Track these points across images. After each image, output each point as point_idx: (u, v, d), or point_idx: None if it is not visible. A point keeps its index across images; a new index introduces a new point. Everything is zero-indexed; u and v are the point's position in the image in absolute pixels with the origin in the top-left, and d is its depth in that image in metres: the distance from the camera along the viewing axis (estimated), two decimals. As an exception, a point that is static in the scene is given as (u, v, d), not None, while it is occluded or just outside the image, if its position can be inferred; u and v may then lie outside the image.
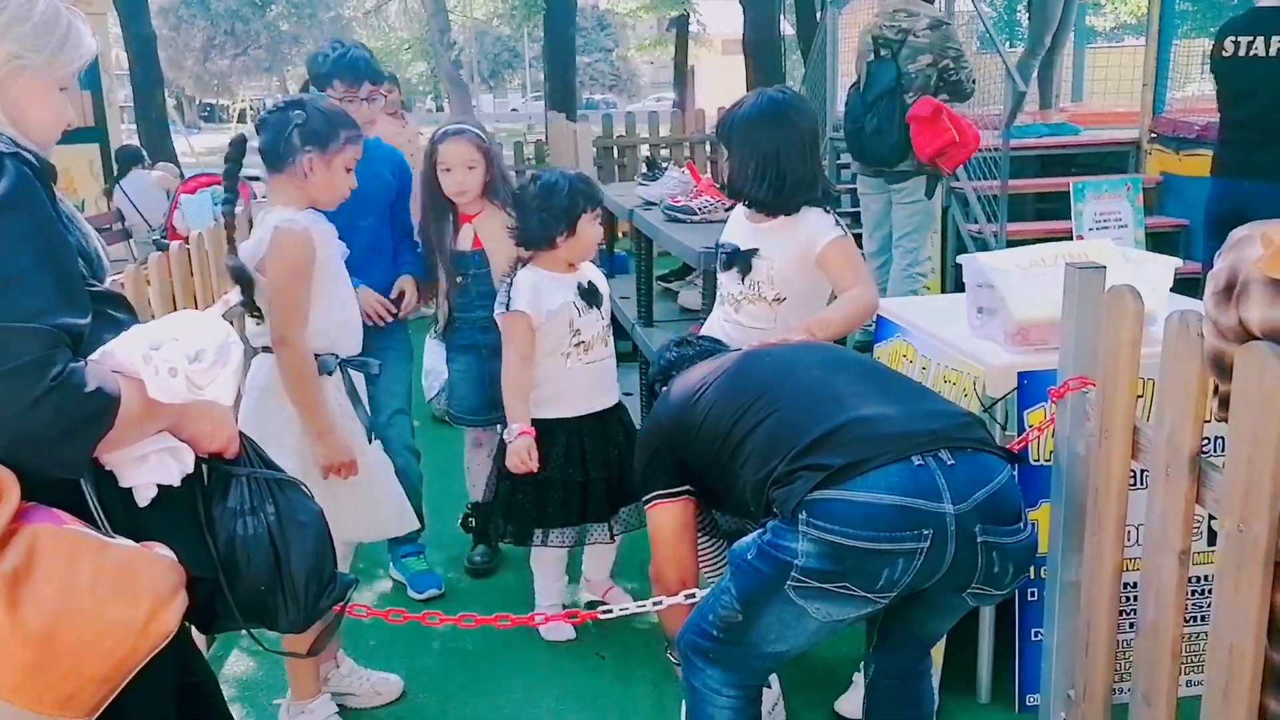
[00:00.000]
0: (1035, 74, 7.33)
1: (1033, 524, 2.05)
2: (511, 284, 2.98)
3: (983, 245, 5.66)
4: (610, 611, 2.37)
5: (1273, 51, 3.99)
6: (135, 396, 1.53)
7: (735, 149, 2.77)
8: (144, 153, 9.03)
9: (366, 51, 3.41)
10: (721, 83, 20.84)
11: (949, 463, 1.92)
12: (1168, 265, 2.77)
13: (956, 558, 1.90)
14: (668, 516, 2.40)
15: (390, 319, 3.35)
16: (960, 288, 5.56)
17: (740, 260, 2.82)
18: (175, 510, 1.68)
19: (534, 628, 3.13)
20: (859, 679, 2.78)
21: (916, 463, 1.91)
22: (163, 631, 1.46)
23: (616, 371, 3.24)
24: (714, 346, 2.66)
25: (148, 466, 1.61)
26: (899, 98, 5.16)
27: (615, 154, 10.03)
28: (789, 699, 2.82)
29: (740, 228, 2.92)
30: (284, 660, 2.71)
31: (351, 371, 2.71)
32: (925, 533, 1.86)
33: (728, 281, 2.91)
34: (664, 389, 2.51)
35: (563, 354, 3.01)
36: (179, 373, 1.52)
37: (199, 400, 1.57)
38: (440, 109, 31.92)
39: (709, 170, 9.27)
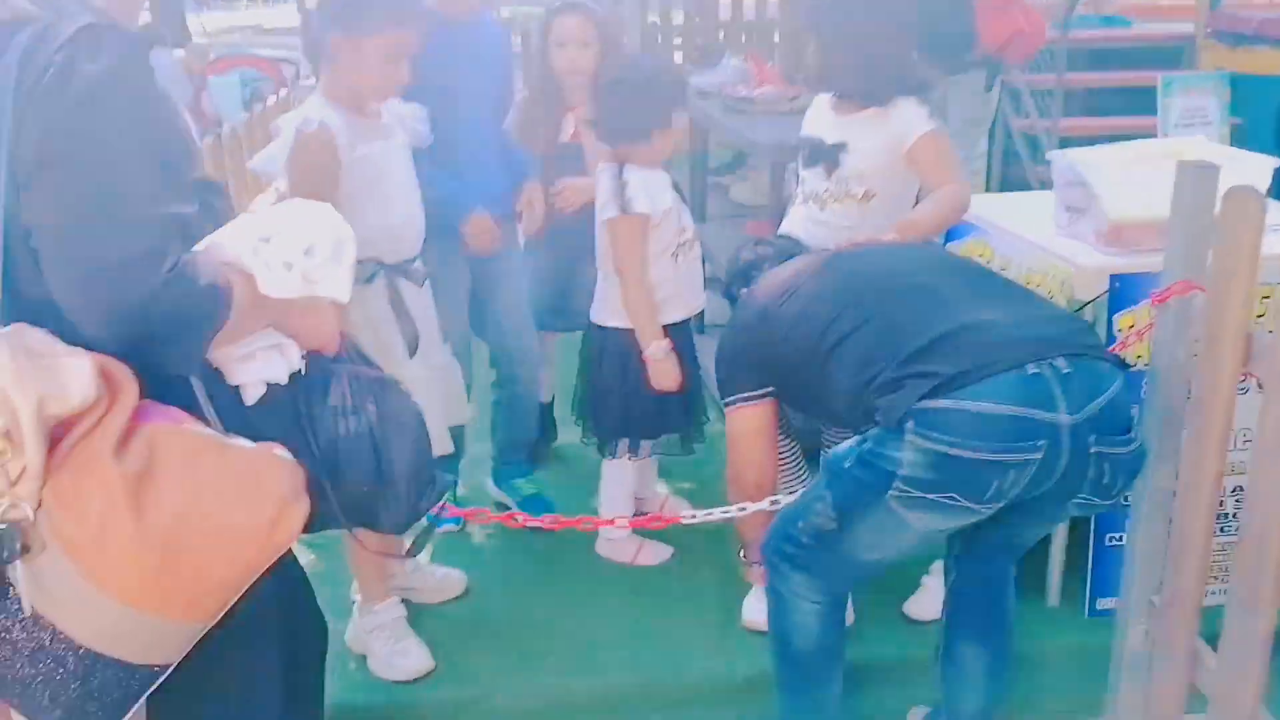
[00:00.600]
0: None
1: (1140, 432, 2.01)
2: (623, 183, 2.73)
3: (1033, 143, 5.52)
4: (694, 516, 2.34)
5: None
6: (246, 291, 1.47)
7: (825, 33, 2.63)
8: (164, 32, 8.76)
9: None
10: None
11: (1065, 371, 1.86)
12: (1266, 165, 2.66)
13: (1068, 468, 1.86)
14: (750, 419, 2.35)
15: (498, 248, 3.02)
16: (1007, 187, 5.44)
17: (826, 155, 2.68)
18: (277, 408, 1.63)
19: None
20: (928, 581, 2.77)
21: (1031, 370, 1.84)
22: (287, 537, 1.42)
23: None
24: (794, 246, 2.58)
25: (255, 364, 1.56)
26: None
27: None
28: (857, 601, 2.80)
29: (824, 119, 2.78)
30: (348, 557, 2.69)
31: (401, 280, 2.51)
32: (1039, 444, 1.81)
33: (812, 178, 2.78)
34: (746, 289, 2.44)
35: (672, 254, 2.86)
36: (294, 267, 1.45)
37: (304, 295, 1.51)
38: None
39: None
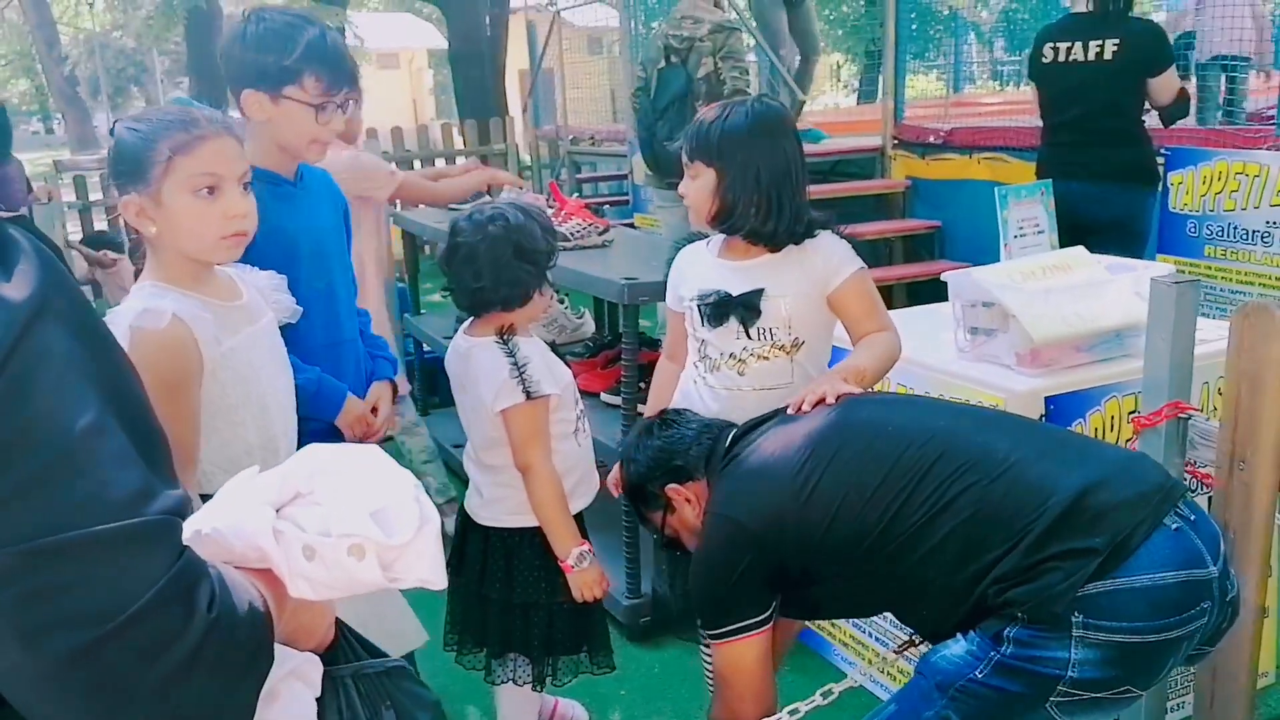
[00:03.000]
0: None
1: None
2: (518, 363, 2.19)
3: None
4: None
5: (1090, 55, 4.09)
6: (272, 601, 0.93)
7: (732, 170, 2.15)
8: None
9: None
10: (382, 99, 19.77)
11: (1190, 518, 1.63)
12: (1163, 270, 2.67)
13: (1216, 623, 1.63)
14: (753, 648, 1.87)
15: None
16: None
17: (738, 307, 2.17)
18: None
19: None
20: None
21: (1173, 526, 1.60)
22: None
23: None
24: (711, 420, 2.14)
25: (278, 705, 1.00)
26: (690, 104, 4.97)
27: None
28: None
29: (714, 268, 2.26)
30: None
31: None
32: (1206, 605, 1.58)
33: (719, 339, 2.22)
34: (714, 485, 1.97)
35: (574, 432, 2.34)
36: (366, 553, 0.92)
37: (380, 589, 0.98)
38: (50, 130, 28.48)
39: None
